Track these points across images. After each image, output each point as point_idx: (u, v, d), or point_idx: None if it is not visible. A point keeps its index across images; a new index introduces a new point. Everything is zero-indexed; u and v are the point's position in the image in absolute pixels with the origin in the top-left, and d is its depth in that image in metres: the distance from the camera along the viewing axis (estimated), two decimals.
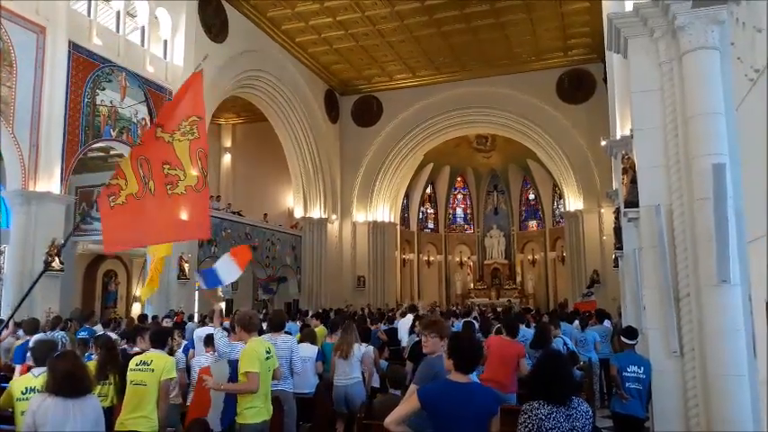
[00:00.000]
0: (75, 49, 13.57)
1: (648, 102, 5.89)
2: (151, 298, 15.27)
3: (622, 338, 6.39)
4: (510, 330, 7.07)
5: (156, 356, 5.04)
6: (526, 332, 8.69)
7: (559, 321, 10.08)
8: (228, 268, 8.07)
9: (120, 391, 5.40)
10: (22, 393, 4.22)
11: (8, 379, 7.13)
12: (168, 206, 4.59)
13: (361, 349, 7.02)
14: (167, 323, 11.04)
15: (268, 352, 5.15)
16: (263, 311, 16.65)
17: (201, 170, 4.72)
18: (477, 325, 10.40)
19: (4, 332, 9.05)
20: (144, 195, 4.50)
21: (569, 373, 3.36)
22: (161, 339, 5.35)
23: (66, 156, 13.24)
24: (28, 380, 4.35)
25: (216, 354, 6.32)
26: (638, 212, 6.21)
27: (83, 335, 9.02)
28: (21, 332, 9.09)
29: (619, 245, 10.97)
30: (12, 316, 4.63)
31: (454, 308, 22.92)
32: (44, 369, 4.04)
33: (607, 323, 12.00)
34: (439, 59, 24.16)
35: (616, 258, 12.96)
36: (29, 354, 7.19)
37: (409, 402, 3.43)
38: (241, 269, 8.07)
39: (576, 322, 11.21)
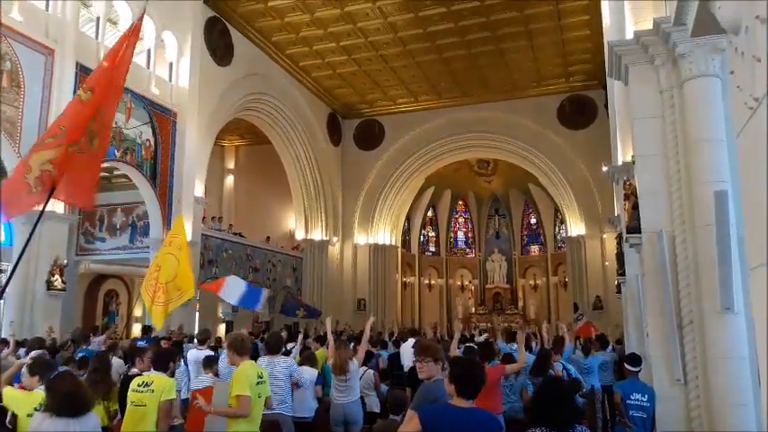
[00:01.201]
0: (82, 70, 13.71)
1: (650, 129, 5.93)
2: (151, 318, 15.22)
3: (626, 365, 6.34)
4: (483, 357, 6.85)
5: (157, 378, 5.03)
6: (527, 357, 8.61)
7: (562, 347, 9.98)
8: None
9: (117, 410, 5.36)
10: (36, 409, 4.20)
11: None
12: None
13: (355, 363, 6.95)
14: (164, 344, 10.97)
15: (260, 377, 5.06)
16: (262, 334, 16.55)
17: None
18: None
19: (5, 351, 9.01)
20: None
21: (571, 399, 3.34)
22: (163, 361, 5.32)
23: None
24: (41, 396, 4.31)
25: (217, 376, 6.30)
26: (641, 239, 6.22)
27: (82, 354, 8.98)
28: (22, 351, 9.04)
29: (621, 271, 10.97)
30: None
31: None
32: None
33: (609, 349, 11.91)
34: (441, 84, 24.39)
35: (618, 284, 12.93)
36: (25, 370, 7.15)
37: (410, 425, 3.40)
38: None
39: (579, 351, 11.08)
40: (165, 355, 5.52)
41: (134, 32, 4.76)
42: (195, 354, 8.28)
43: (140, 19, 4.84)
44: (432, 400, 3.79)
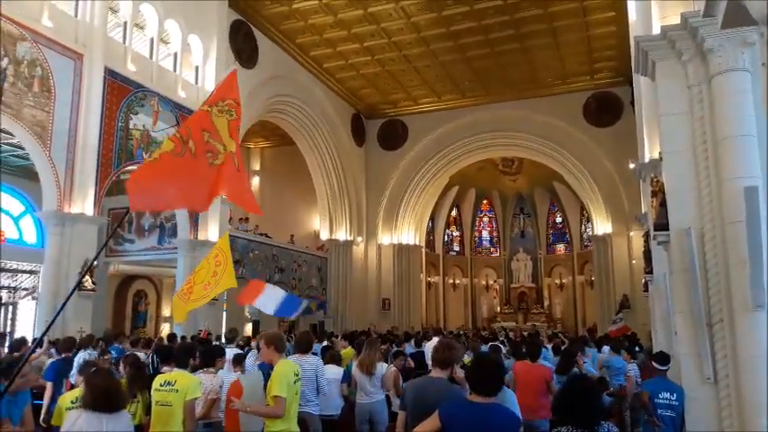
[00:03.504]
0: (110, 74, 13.97)
1: (677, 124, 5.85)
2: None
3: (654, 364, 6.27)
4: (531, 355, 7.05)
5: (181, 376, 5.00)
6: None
7: (585, 347, 9.91)
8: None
9: (148, 409, 5.44)
10: (72, 403, 4.39)
11: (40, 396, 7.27)
12: (210, 175, 4.28)
13: (383, 366, 6.98)
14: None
15: (296, 375, 5.10)
16: (290, 333, 16.70)
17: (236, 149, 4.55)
18: (504, 349, 10.30)
19: (38, 351, 9.23)
20: (184, 153, 4.15)
21: (596, 397, 3.32)
22: (183, 357, 5.32)
23: (100, 178, 13.56)
24: (75, 391, 4.53)
25: (245, 372, 6.37)
26: (668, 236, 6.14)
27: (112, 354, 9.17)
28: (53, 351, 9.25)
29: (648, 269, 10.82)
30: (44, 334, 4.73)
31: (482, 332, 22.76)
32: None
33: (637, 348, 11.79)
34: (464, 83, 24.29)
35: (646, 283, 12.77)
36: (73, 371, 7.36)
37: (430, 421, 3.47)
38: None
39: (607, 348, 11.02)
40: (185, 350, 5.50)
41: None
42: (228, 352, 8.43)
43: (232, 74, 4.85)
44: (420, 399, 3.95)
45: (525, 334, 18.89)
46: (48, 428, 6.09)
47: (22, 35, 11.88)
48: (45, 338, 9.52)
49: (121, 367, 6.42)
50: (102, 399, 3.69)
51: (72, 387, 5.78)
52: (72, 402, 4.39)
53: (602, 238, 24.26)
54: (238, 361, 6.87)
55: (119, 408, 3.78)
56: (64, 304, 4.29)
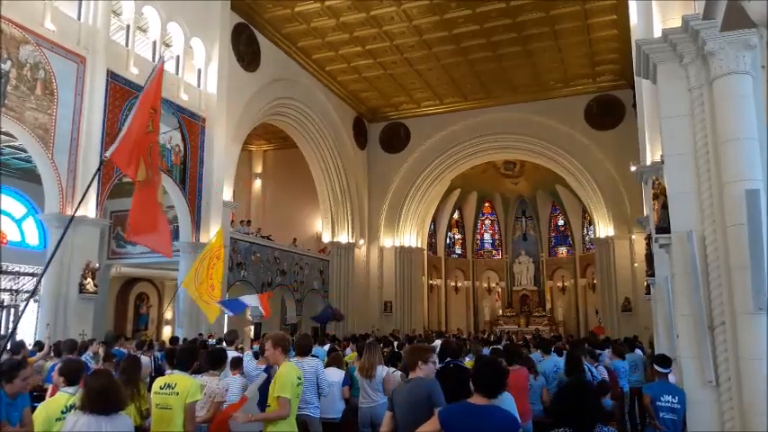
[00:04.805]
0: (112, 77, 14.00)
1: (679, 127, 5.85)
2: (182, 321, 15.47)
3: (655, 367, 6.25)
4: (508, 360, 6.93)
5: (180, 379, 4.94)
6: (558, 361, 8.56)
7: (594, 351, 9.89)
8: (252, 301, 9.34)
9: (149, 410, 5.42)
10: (62, 413, 4.22)
11: (41, 398, 7.26)
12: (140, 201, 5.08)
13: (386, 370, 6.96)
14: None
15: (299, 378, 5.07)
16: (291, 336, 16.66)
17: (150, 166, 5.09)
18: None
19: (38, 354, 9.24)
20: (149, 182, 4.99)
21: (594, 400, 3.30)
22: (185, 360, 5.25)
23: (102, 181, 13.58)
24: (66, 398, 4.37)
25: (244, 375, 6.36)
26: (670, 239, 6.13)
27: (118, 358, 9.15)
28: (52, 354, 9.25)
29: (650, 272, 10.82)
30: (8, 339, 4.69)
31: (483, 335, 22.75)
32: (77, 387, 4.10)
33: (639, 351, 11.77)
34: (466, 86, 24.32)
35: (648, 285, 12.75)
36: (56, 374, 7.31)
37: (430, 423, 3.50)
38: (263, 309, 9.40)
39: (608, 350, 10.99)
40: (187, 353, 5.44)
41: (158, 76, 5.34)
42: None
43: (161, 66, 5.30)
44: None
45: (528, 337, 18.86)
46: None
47: (24, 38, 11.92)
48: (46, 342, 9.53)
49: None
50: (101, 400, 3.68)
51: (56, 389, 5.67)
52: (63, 413, 4.20)
53: (604, 240, 24.25)
54: (236, 364, 6.84)
55: (116, 409, 3.77)
56: (20, 317, 4.27)
